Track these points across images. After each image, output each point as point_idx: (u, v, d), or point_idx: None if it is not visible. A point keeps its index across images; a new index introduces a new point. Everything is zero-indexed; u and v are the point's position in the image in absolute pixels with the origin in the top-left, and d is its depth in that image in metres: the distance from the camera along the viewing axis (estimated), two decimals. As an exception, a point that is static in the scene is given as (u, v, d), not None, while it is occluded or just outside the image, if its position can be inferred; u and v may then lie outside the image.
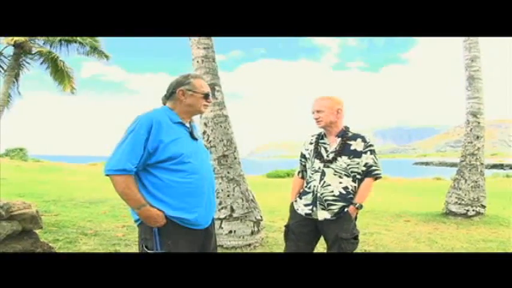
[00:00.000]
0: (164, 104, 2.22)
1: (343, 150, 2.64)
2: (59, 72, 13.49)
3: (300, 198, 2.76)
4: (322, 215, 2.61)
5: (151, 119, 1.99)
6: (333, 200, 2.59)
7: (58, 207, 7.49)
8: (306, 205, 2.69)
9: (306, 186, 2.77)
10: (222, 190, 4.61)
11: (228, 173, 4.67)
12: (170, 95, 2.19)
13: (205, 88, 2.21)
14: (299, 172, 2.95)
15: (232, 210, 4.55)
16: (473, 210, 7.30)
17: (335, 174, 2.61)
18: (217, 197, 4.56)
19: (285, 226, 2.84)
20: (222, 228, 4.50)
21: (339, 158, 2.62)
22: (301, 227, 2.71)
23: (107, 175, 1.95)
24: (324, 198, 2.60)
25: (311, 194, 2.67)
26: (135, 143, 1.93)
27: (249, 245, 4.57)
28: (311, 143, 2.83)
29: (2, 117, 12.50)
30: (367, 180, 2.65)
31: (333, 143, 2.71)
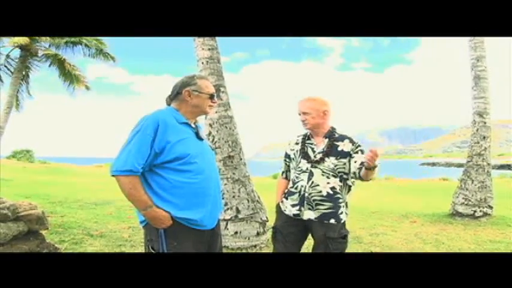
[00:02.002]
0: (169, 104, 2.22)
1: (331, 151, 2.62)
2: (67, 74, 13.58)
3: (286, 199, 2.74)
4: (308, 215, 2.60)
5: (158, 119, 1.98)
6: (320, 200, 2.58)
7: (64, 208, 7.50)
8: (293, 205, 2.67)
9: (291, 187, 2.74)
10: (227, 191, 4.60)
11: (234, 174, 4.66)
12: (175, 95, 2.18)
13: (211, 89, 2.21)
14: (283, 172, 2.93)
15: (238, 211, 4.55)
16: (480, 211, 7.23)
17: (323, 175, 2.60)
18: (223, 198, 4.55)
19: (272, 227, 2.82)
20: (227, 229, 4.49)
21: (326, 159, 2.60)
22: (289, 227, 2.69)
23: (113, 176, 1.95)
24: (312, 198, 2.59)
25: (298, 194, 2.65)
26: (141, 143, 1.93)
27: (255, 246, 4.55)
28: (297, 143, 2.81)
29: (10, 119, 12.60)
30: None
31: (320, 144, 2.69)
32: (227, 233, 4.47)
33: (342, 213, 2.61)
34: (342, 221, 2.61)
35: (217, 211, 2.19)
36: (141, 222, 2.07)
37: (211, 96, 2.20)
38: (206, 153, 2.17)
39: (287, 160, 2.88)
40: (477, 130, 7.63)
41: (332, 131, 2.70)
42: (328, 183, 2.59)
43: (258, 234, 4.58)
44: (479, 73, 7.59)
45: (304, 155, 2.70)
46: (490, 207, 7.33)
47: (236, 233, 4.49)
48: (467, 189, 7.48)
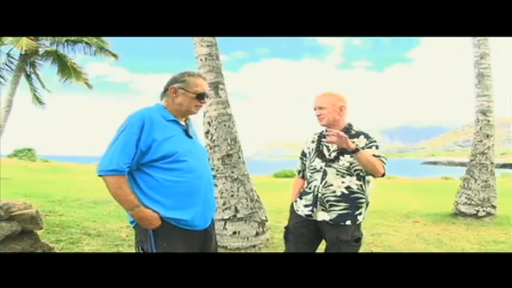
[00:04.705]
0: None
1: (346, 148, 2.50)
2: (67, 69, 13.49)
3: (301, 199, 2.67)
4: (322, 216, 2.52)
5: (143, 117, 1.92)
6: (335, 201, 2.49)
7: (63, 207, 7.48)
8: (306, 206, 2.60)
9: (306, 187, 2.67)
10: (226, 190, 4.53)
11: (232, 172, 4.59)
12: (164, 92, 2.11)
13: (200, 88, 2.09)
14: (299, 171, 2.86)
15: (237, 210, 4.47)
16: (483, 211, 7.14)
17: (337, 174, 2.50)
18: (221, 197, 4.49)
19: (285, 227, 2.76)
20: (226, 229, 4.42)
21: (341, 157, 2.50)
22: (301, 228, 2.62)
23: (99, 175, 1.89)
24: (326, 199, 2.50)
25: (311, 194, 2.57)
26: (126, 142, 1.87)
27: (254, 246, 4.48)
28: (313, 142, 2.73)
29: (12, 118, 12.56)
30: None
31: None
32: (225, 233, 4.39)
33: (360, 214, 2.52)
34: (358, 222, 2.52)
35: (209, 211, 2.11)
36: (131, 222, 2.01)
37: (199, 96, 2.08)
38: (196, 151, 2.08)
39: (303, 159, 2.81)
40: (480, 129, 7.53)
41: (348, 128, 2.61)
42: (343, 182, 2.49)
43: (257, 234, 4.50)
44: (483, 71, 7.49)
45: (319, 153, 2.62)
46: (494, 206, 7.24)
47: (235, 233, 4.41)
48: (470, 188, 7.39)
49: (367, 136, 2.56)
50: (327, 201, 2.49)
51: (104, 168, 1.86)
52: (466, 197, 7.37)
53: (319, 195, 2.52)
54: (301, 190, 2.73)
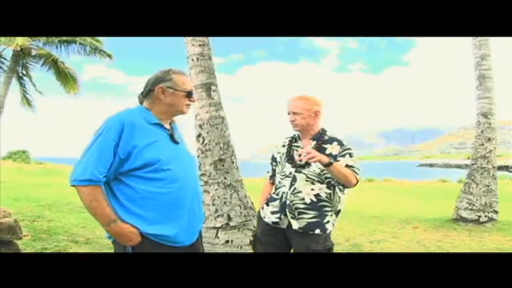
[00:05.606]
0: (141, 103, 1.93)
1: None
2: (62, 74, 13.34)
3: (267, 205, 2.55)
4: (290, 224, 2.40)
5: (123, 120, 1.71)
6: (304, 209, 2.37)
7: (53, 212, 7.31)
8: (273, 213, 2.48)
9: (274, 192, 2.56)
10: (218, 197, 4.31)
11: (225, 178, 4.37)
12: (148, 93, 1.89)
13: (188, 85, 1.93)
14: (271, 177, 2.74)
15: (229, 218, 4.25)
16: (485, 216, 6.96)
17: (307, 180, 2.40)
18: (213, 204, 4.28)
19: (252, 235, 2.62)
20: (218, 237, 4.20)
21: (312, 163, 2.36)
22: (267, 236, 2.52)
23: (72, 186, 1.68)
24: (294, 206, 2.39)
25: (279, 200, 2.46)
26: (102, 148, 1.66)
27: (248, 255, 4.28)
28: (284, 146, 2.62)
29: (5, 120, 12.36)
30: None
31: (306, 146, 2.47)
32: (217, 242, 4.18)
33: (328, 222, 2.41)
34: (328, 232, 2.41)
35: (195, 224, 1.91)
36: (109, 237, 1.80)
37: (189, 94, 1.91)
38: (182, 158, 1.88)
39: (273, 164, 2.70)
40: (482, 132, 7.36)
41: (321, 133, 2.51)
42: (312, 189, 2.39)
43: (250, 243, 4.28)
44: (484, 72, 7.33)
45: (289, 158, 2.51)
46: (496, 211, 7.08)
47: (227, 241, 4.19)
48: (471, 193, 7.21)
49: (340, 143, 2.47)
50: (296, 208, 2.39)
51: (77, 178, 1.66)
52: (467, 202, 7.19)
53: (288, 202, 2.41)
54: (268, 196, 2.61)
